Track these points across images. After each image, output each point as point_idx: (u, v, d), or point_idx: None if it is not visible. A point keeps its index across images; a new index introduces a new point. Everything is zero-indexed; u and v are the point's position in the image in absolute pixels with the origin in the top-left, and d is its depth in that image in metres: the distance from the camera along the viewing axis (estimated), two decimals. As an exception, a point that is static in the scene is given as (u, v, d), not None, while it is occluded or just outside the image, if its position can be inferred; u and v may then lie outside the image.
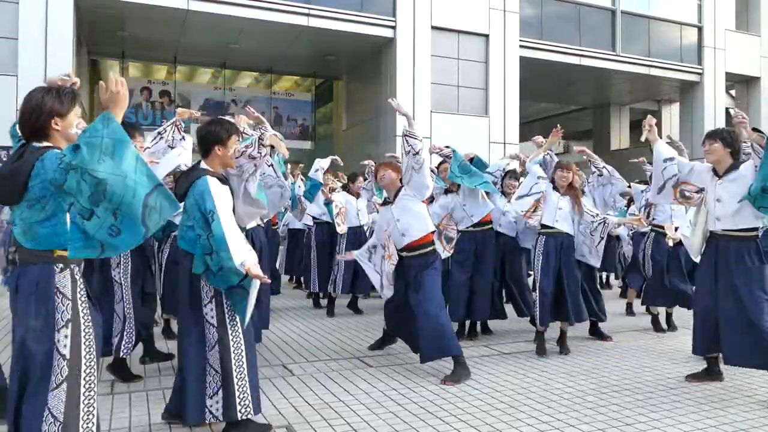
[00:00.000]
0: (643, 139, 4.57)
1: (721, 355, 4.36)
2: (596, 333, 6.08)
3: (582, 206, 5.43)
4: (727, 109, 19.01)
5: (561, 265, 5.32)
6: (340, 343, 5.81)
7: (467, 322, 6.14)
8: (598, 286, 6.30)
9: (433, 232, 4.89)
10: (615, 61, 18.26)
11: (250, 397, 3.21)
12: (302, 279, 9.30)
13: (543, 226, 5.39)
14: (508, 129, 16.52)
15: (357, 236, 7.58)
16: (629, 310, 7.53)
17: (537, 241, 5.42)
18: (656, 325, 6.50)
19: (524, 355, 5.36)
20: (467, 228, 5.89)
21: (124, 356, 4.38)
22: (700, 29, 19.67)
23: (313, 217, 7.99)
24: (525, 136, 22.74)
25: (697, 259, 4.60)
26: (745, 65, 20.42)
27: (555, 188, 5.47)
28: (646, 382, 4.46)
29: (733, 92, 22.18)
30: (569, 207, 5.40)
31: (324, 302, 7.98)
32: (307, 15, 14.51)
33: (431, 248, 4.82)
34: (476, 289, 5.84)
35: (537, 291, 5.35)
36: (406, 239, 4.76)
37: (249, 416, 3.23)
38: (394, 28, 15.37)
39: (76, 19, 12.87)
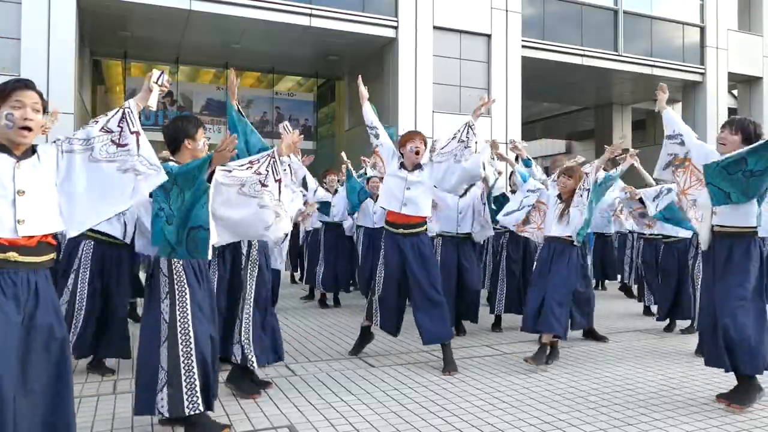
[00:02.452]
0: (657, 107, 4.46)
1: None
2: (591, 334, 6.03)
3: (567, 215, 5.09)
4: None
5: (550, 273, 5.12)
6: (343, 344, 5.81)
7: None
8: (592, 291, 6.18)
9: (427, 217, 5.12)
10: (617, 61, 18.24)
11: (199, 394, 3.19)
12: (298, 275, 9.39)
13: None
14: (510, 129, 16.51)
15: (372, 238, 7.69)
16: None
17: (539, 248, 5.40)
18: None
19: (526, 355, 5.35)
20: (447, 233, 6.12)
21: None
22: (702, 29, 19.64)
23: (323, 221, 8.11)
24: (527, 136, 22.79)
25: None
26: (748, 65, 20.39)
27: (559, 195, 5.27)
28: (648, 382, 4.46)
29: (735, 92, 22.15)
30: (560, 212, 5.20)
31: (330, 302, 8.22)
32: (309, 15, 14.51)
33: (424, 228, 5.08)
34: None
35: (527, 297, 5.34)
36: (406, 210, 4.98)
37: (197, 412, 3.19)
38: (396, 28, 15.37)
39: (78, 20, 12.88)
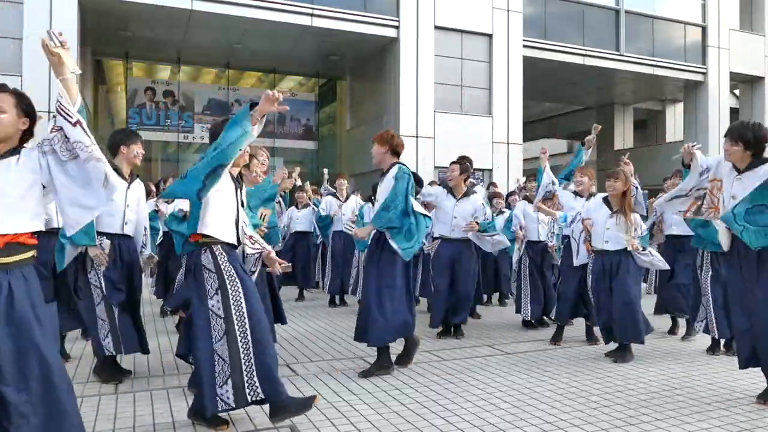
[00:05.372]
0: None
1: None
2: (589, 334, 6.04)
3: (632, 223, 5.10)
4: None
5: (611, 283, 5.17)
6: (344, 344, 5.82)
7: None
8: None
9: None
10: (619, 60, 18.23)
11: (258, 384, 3.27)
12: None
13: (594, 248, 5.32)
14: (512, 129, 16.51)
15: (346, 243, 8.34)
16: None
17: (589, 261, 5.41)
18: (673, 328, 6.47)
19: (528, 355, 5.35)
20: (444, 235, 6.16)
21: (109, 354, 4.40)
22: (704, 29, 19.63)
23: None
24: (528, 135, 22.77)
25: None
26: (750, 65, 20.37)
27: (607, 202, 5.24)
28: (650, 382, 4.45)
29: (737, 92, 22.12)
30: (621, 224, 5.12)
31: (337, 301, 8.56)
32: (311, 15, 14.52)
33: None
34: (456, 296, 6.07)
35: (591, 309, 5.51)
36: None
37: (259, 398, 3.29)
38: (397, 27, 15.37)
39: (80, 20, 12.90)
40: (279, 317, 4.85)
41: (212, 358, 3.26)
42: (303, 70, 19.67)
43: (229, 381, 3.24)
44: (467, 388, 4.30)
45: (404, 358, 4.90)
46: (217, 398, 3.24)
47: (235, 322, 3.27)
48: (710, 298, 5.20)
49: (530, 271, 6.64)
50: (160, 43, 16.49)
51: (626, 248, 5.10)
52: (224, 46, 16.60)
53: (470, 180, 6.42)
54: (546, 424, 3.54)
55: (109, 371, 4.43)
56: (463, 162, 6.22)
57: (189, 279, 3.45)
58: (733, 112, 20.93)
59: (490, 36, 16.34)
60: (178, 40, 16.06)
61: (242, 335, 3.28)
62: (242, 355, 3.26)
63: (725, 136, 4.05)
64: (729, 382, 4.39)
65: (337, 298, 8.49)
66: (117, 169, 4.39)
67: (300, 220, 8.91)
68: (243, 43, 16.29)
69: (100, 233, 4.34)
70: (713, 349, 5.42)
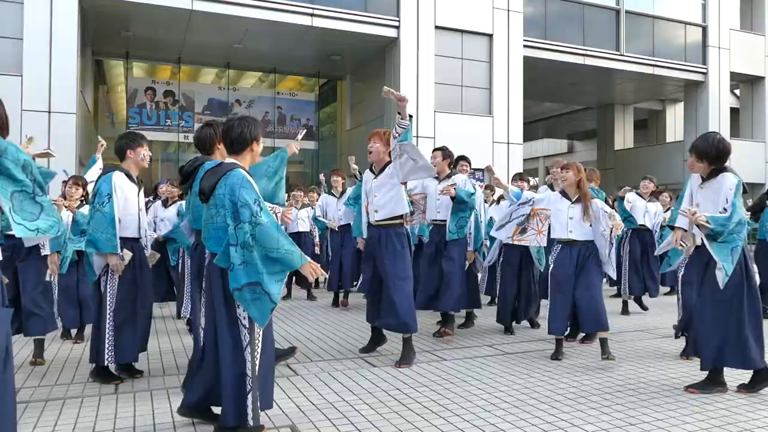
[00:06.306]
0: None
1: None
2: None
3: (591, 213, 5.10)
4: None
5: (578, 273, 5.13)
6: (344, 343, 5.82)
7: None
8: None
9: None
10: (619, 60, 18.24)
11: (259, 402, 3.18)
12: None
13: (558, 239, 5.26)
14: (512, 129, 16.51)
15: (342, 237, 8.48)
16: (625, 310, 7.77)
17: (553, 251, 5.32)
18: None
19: (528, 354, 5.36)
20: (434, 221, 6.15)
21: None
22: (704, 28, 19.63)
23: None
24: (529, 135, 22.79)
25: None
26: (750, 65, 20.37)
27: (565, 195, 5.25)
28: (650, 382, 4.46)
29: (737, 92, 22.13)
30: (581, 214, 5.13)
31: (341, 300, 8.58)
32: (311, 15, 14.53)
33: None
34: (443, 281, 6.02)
35: (550, 300, 5.34)
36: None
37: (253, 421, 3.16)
38: (397, 27, 15.38)
39: (80, 20, 12.90)
40: None
41: (243, 370, 3.14)
42: (303, 70, 19.68)
43: (250, 395, 3.14)
44: (467, 388, 4.30)
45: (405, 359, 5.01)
46: (246, 412, 3.12)
47: (257, 334, 3.19)
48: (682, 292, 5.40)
49: (504, 270, 6.53)
50: (160, 43, 16.50)
51: (592, 239, 5.14)
52: (224, 46, 16.60)
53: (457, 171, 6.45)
54: (546, 424, 3.54)
55: (106, 375, 4.42)
56: (446, 148, 6.23)
57: (211, 281, 3.31)
58: (734, 112, 20.93)
59: (490, 36, 16.35)
60: (178, 40, 16.07)
61: (263, 349, 3.22)
62: (267, 369, 3.23)
63: (690, 150, 4.36)
64: (729, 383, 4.39)
65: (340, 296, 8.47)
66: (128, 174, 4.44)
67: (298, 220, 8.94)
68: (243, 43, 16.29)
69: (123, 239, 4.34)
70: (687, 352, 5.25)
